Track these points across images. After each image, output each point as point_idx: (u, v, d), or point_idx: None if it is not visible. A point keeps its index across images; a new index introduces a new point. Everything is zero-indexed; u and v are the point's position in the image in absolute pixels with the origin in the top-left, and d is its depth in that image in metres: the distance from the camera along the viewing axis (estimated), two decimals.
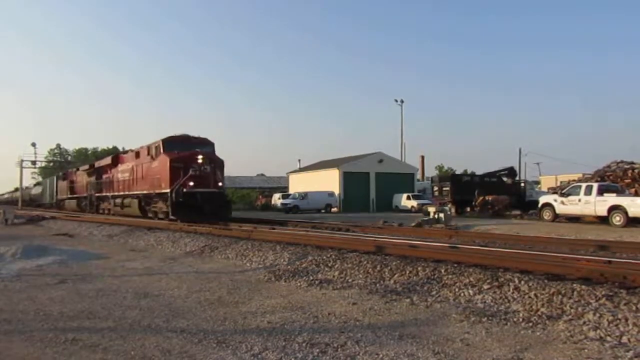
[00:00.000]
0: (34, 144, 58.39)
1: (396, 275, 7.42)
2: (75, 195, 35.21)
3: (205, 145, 21.08)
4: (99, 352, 4.40)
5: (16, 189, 64.80)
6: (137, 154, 23.41)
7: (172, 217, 18.89)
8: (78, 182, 34.83)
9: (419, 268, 7.49)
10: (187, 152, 19.58)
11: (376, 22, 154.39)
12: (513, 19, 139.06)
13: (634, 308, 5.01)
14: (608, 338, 4.47)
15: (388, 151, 47.88)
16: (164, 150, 20.18)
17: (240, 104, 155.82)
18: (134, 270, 9.43)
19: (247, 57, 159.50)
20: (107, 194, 27.44)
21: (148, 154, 21.71)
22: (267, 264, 9.47)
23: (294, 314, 5.71)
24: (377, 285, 7.19)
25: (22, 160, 54.56)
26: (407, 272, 7.44)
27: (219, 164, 20.52)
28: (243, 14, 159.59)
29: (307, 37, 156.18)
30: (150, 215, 21.48)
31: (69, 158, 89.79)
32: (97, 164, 30.77)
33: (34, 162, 58.10)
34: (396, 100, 54.76)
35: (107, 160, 28.61)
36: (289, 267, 8.82)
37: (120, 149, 73.67)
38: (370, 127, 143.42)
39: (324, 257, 8.93)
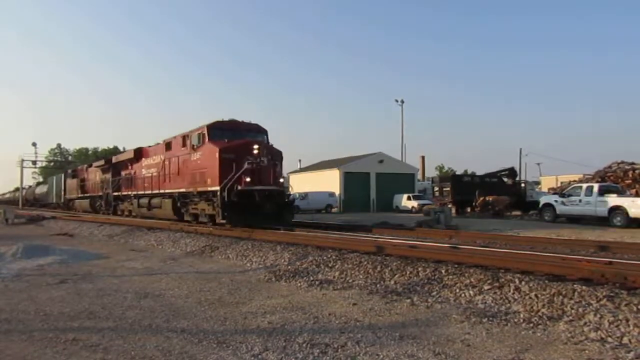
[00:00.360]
0: (34, 144, 58.64)
1: (396, 276, 7.41)
2: (87, 195, 31.77)
3: (258, 132, 17.59)
4: (99, 352, 4.40)
5: (17, 189, 64.79)
6: (168, 145, 19.83)
7: (221, 220, 15.47)
8: (90, 180, 31.36)
9: (420, 268, 7.49)
10: (239, 141, 16.12)
11: (376, 22, 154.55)
12: (513, 19, 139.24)
13: (634, 309, 5.00)
14: (609, 339, 4.46)
15: (388, 151, 47.92)
16: (209, 139, 16.50)
17: (241, 104, 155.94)
18: (135, 270, 9.43)
19: (247, 57, 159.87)
20: (129, 192, 24.11)
21: (184, 144, 18.19)
22: (268, 264, 9.47)
23: (295, 314, 5.71)
24: (378, 285, 7.18)
25: (23, 160, 54.74)
26: (408, 272, 7.44)
27: (277, 156, 16.91)
28: (243, 14, 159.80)
29: (307, 37, 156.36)
30: (187, 218, 17.98)
31: (70, 158, 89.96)
32: (114, 159, 27.10)
33: (34, 162, 58.30)
34: (396, 101, 54.87)
35: (128, 154, 24.87)
36: (289, 267, 8.82)
37: (121, 148, 73.78)
38: (370, 127, 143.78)
39: (325, 258, 8.92)
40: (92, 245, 14.21)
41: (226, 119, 17.48)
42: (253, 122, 17.81)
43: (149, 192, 21.24)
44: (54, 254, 11.23)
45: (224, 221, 15.34)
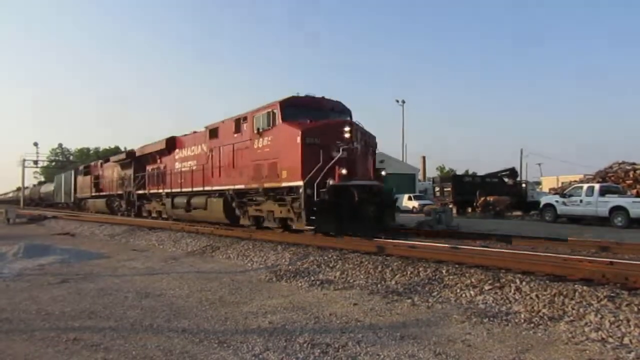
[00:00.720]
0: (35, 144, 58.80)
1: (397, 276, 7.41)
2: (103, 194, 28.53)
3: (342, 113, 13.67)
4: (100, 351, 4.41)
5: (19, 188, 64.83)
6: (213, 132, 16.11)
7: (304, 226, 11.64)
8: (106, 177, 27.98)
9: (420, 269, 7.49)
10: (324, 121, 12.40)
11: (377, 21, 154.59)
12: (513, 18, 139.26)
13: (635, 309, 5.00)
14: (610, 339, 4.46)
15: (389, 151, 47.89)
16: (284, 119, 12.53)
17: (241, 104, 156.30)
18: (136, 270, 9.45)
19: (248, 57, 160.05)
20: (158, 190, 20.59)
21: (237, 130, 14.51)
22: (269, 264, 9.47)
23: (295, 314, 5.71)
24: (378, 285, 7.18)
25: (24, 160, 54.83)
26: (408, 272, 7.44)
27: (372, 142, 13.49)
28: (243, 13, 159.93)
29: (307, 37, 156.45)
30: (245, 222, 14.49)
31: (71, 157, 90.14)
32: (138, 152, 23.37)
33: (35, 162, 58.40)
34: (397, 101, 54.75)
35: (158, 145, 20.88)
36: (290, 267, 8.83)
37: (122, 148, 73.80)
38: (370, 127, 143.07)
39: (325, 258, 8.93)
40: (93, 245, 14.23)
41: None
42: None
43: (188, 189, 17.54)
44: (55, 253, 11.24)
45: (309, 228, 11.59)
